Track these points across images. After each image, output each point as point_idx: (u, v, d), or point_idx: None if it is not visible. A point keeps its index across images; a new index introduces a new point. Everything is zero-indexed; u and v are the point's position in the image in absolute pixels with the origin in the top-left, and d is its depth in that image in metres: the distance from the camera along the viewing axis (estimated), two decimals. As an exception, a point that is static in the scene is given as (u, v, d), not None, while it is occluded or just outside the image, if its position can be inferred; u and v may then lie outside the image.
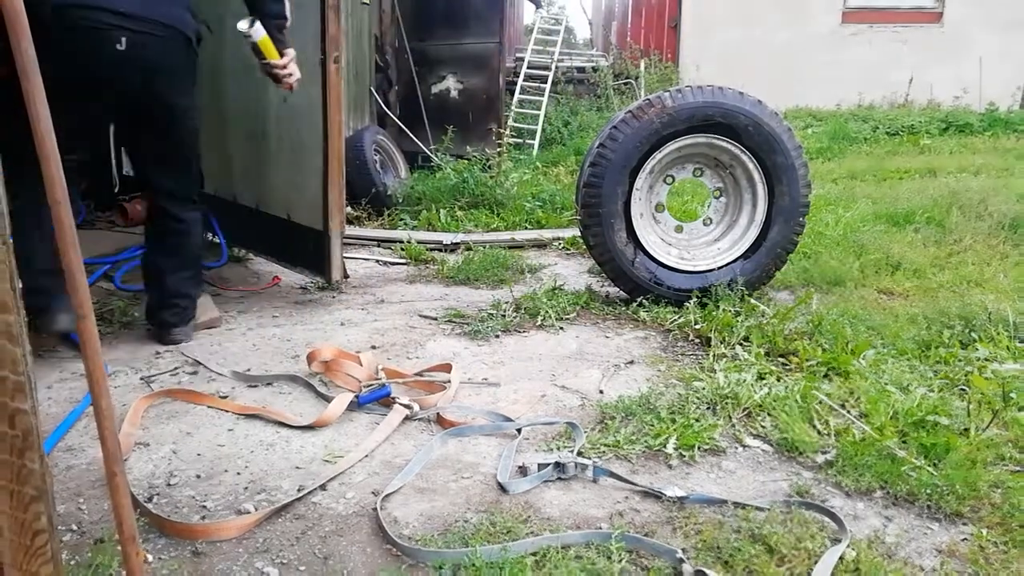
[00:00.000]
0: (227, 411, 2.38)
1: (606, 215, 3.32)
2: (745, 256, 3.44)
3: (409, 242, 4.69)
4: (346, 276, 3.67)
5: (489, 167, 6.10)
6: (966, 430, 2.18)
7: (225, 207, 4.02)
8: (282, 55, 2.92)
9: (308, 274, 3.78)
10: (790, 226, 3.41)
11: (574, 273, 4.21)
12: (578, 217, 3.55)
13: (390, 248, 4.80)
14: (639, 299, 3.41)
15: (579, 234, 4.01)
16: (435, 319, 3.35)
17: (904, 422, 2.20)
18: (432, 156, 6.90)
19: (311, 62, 3.27)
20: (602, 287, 3.82)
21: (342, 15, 3.27)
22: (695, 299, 3.30)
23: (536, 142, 8.74)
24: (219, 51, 3.81)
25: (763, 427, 2.28)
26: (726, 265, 3.43)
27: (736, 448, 2.19)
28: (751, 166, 3.37)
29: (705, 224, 3.60)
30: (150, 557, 1.64)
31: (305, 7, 3.27)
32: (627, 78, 10.67)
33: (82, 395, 2.45)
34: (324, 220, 3.45)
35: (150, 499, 1.88)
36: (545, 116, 9.17)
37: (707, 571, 1.58)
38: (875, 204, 5.43)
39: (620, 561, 1.63)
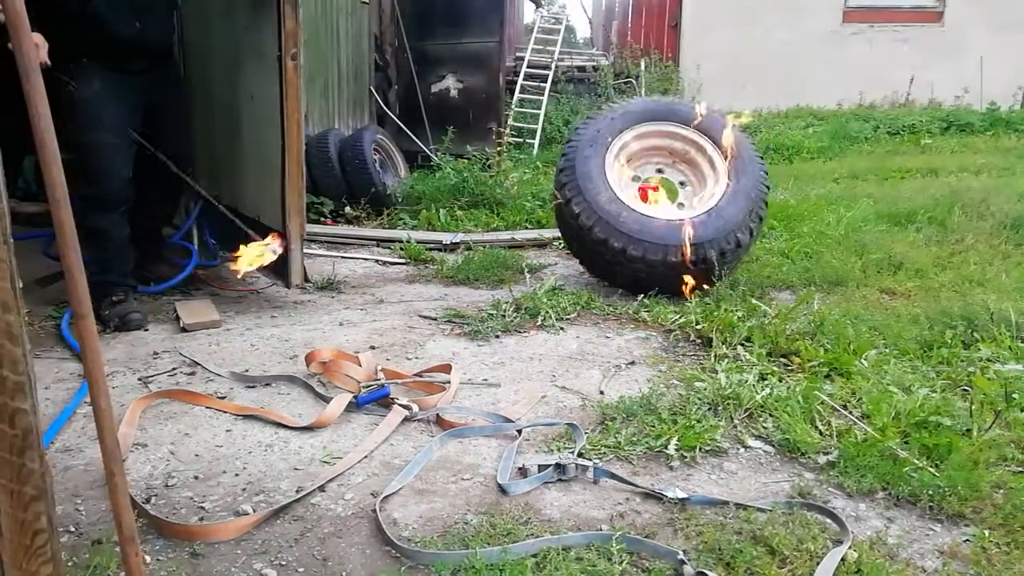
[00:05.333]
0: (225, 412, 2.37)
1: (582, 177, 3.55)
2: (721, 202, 3.61)
3: (409, 242, 4.68)
4: (307, 280, 3.52)
5: (489, 166, 6.09)
6: (968, 431, 2.17)
7: (214, 208, 3.97)
8: None
9: (272, 277, 3.65)
10: (756, 174, 3.65)
11: (574, 273, 4.20)
12: (558, 200, 3.71)
13: (389, 248, 4.79)
14: (640, 297, 3.41)
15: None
16: (435, 319, 3.34)
17: (906, 423, 2.19)
18: (432, 155, 6.90)
19: (270, 58, 3.18)
20: (603, 287, 3.81)
21: (300, 10, 3.15)
22: (696, 298, 3.30)
23: (536, 141, 8.73)
24: (208, 53, 3.78)
25: (765, 428, 2.28)
26: (707, 211, 3.56)
27: (738, 449, 2.18)
28: (701, 141, 3.74)
29: (679, 208, 3.81)
30: (148, 558, 1.63)
31: (264, 2, 3.18)
32: (627, 77, 10.65)
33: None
34: (283, 223, 3.35)
35: (148, 500, 1.88)
36: (545, 115, 9.16)
37: (708, 573, 1.57)
38: (876, 203, 5.42)
39: (621, 563, 1.63)
